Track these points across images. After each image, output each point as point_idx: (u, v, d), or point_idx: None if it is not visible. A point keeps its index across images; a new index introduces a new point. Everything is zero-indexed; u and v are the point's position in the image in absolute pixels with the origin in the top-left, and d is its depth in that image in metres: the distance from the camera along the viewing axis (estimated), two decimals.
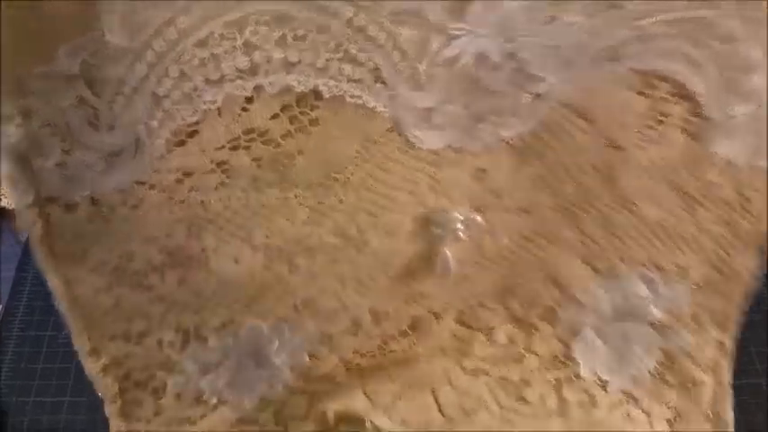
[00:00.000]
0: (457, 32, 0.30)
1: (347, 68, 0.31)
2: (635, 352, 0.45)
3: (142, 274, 0.38)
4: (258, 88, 0.31)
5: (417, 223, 0.39)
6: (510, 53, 0.32)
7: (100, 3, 0.26)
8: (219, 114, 0.32)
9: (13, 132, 0.30)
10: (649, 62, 0.35)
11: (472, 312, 0.44)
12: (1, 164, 0.31)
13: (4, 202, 0.53)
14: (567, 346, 0.45)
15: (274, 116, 0.33)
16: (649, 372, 0.45)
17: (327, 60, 0.31)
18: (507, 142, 0.36)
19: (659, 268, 0.43)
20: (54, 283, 0.37)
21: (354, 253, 0.39)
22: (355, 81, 0.31)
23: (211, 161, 0.35)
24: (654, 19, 0.33)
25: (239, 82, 0.30)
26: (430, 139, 0.35)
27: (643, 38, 0.34)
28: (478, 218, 0.39)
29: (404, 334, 0.44)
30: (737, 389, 0.46)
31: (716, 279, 0.43)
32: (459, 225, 0.39)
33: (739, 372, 0.46)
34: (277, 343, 0.42)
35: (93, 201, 0.34)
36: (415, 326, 0.44)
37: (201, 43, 0.29)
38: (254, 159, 0.35)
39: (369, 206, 0.38)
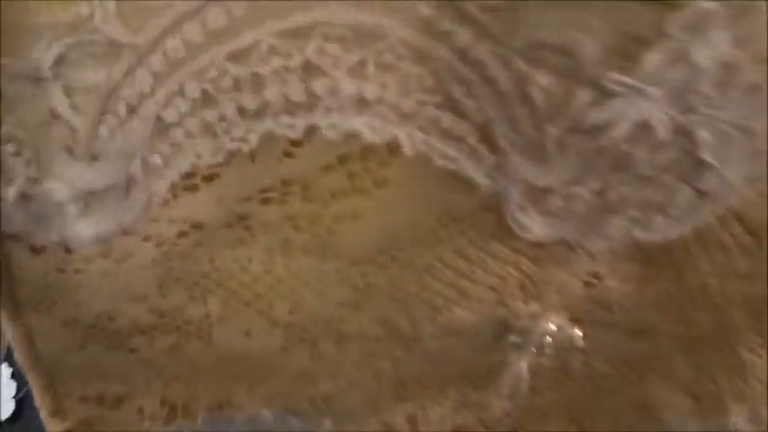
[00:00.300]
0: (617, 89, 0.20)
1: (446, 119, 0.21)
2: None
3: (125, 335, 0.30)
4: (312, 129, 0.21)
5: (493, 327, 0.30)
6: (683, 129, 0.22)
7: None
8: (252, 159, 0.23)
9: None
10: None
11: None
12: None
13: None
14: None
15: (327, 167, 0.24)
16: None
17: (419, 104, 0.21)
18: (641, 247, 0.26)
19: None
20: (13, 333, 0.30)
21: (402, 351, 0.31)
22: (453, 138, 0.22)
23: (231, 213, 0.26)
24: None
25: (286, 118, 0.21)
26: (538, 228, 0.25)
27: None
28: (577, 332, 0.30)
29: None
30: None
31: None
32: (548, 338, 0.30)
33: None
34: None
35: (66, 248, 0.26)
36: None
37: (240, 56, 0.19)
38: (288, 218, 0.26)
39: (432, 297, 0.29)
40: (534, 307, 0.29)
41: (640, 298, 0.29)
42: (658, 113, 0.21)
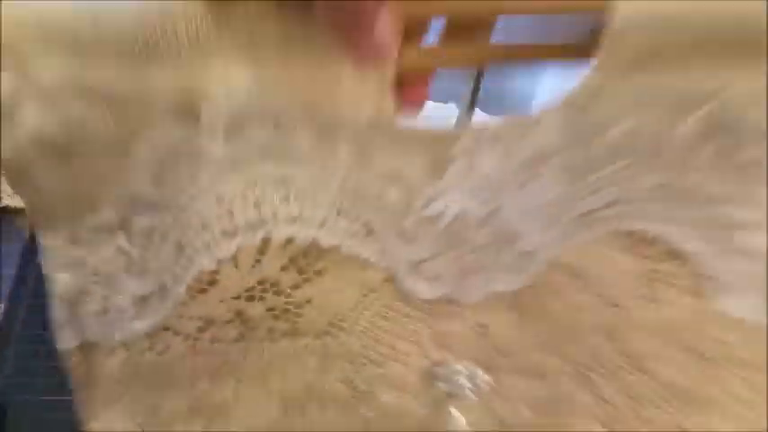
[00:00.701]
0: (436, 193, 0.34)
1: (342, 222, 0.35)
2: None
3: (169, 424, 0.40)
4: (266, 240, 0.36)
5: (423, 377, 0.40)
6: (492, 211, 0.35)
7: (132, 161, 0.32)
8: (236, 265, 0.37)
9: (65, 281, 0.36)
10: (634, 223, 0.37)
11: None
12: (53, 310, 0.37)
13: (6, 201, 0.54)
14: None
15: (284, 268, 0.37)
16: None
17: (325, 215, 0.35)
18: (505, 298, 0.38)
19: None
20: (94, 426, 0.40)
21: (365, 408, 0.40)
22: (350, 234, 0.36)
23: (230, 310, 0.38)
24: (635, 183, 0.37)
25: (249, 234, 0.35)
26: (424, 290, 0.37)
27: (626, 200, 0.37)
28: (486, 376, 0.40)
29: None
30: None
31: None
32: (465, 380, 0.39)
33: None
34: None
35: (126, 346, 0.38)
36: None
37: (219, 199, 0.35)
38: (268, 310, 0.39)
39: (374, 355, 0.40)
40: (446, 355, 0.40)
41: (523, 341, 0.39)
42: (470, 205, 0.35)
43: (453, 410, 0.40)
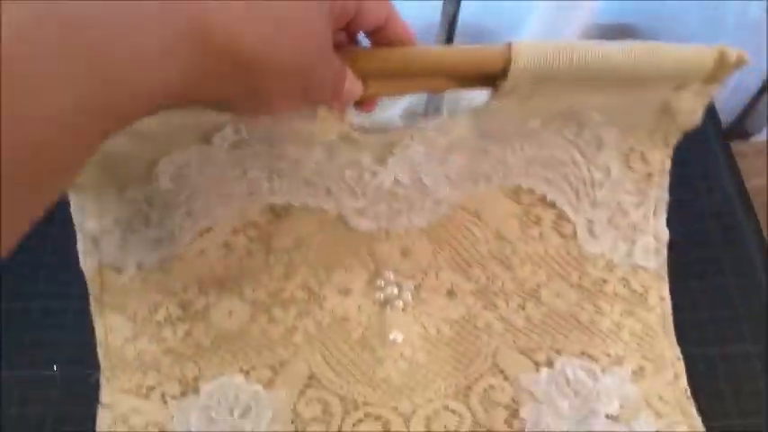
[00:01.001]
0: (380, 171, 0.50)
1: (310, 190, 0.51)
2: None
3: (160, 327, 0.51)
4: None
5: (364, 286, 0.53)
6: (417, 179, 0.51)
7: (157, 169, 0.46)
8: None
9: (92, 226, 0.49)
10: (514, 181, 0.54)
11: (439, 419, 0.50)
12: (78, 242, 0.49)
13: None
14: None
15: (262, 212, 0.52)
16: None
17: (298, 187, 0.51)
18: (426, 234, 0.53)
19: (593, 358, 0.51)
20: (99, 330, 0.51)
21: (318, 310, 0.52)
22: (313, 196, 0.51)
23: (220, 241, 0.52)
24: (513, 158, 0.52)
25: (243, 199, 0.50)
26: (364, 225, 0.53)
27: (507, 167, 0.52)
28: (411, 290, 0.53)
29: None
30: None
31: (649, 367, 0.51)
32: (395, 290, 0.53)
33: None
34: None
35: (139, 266, 0.51)
36: None
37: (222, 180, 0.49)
38: (249, 239, 0.53)
39: (325, 262, 0.53)
40: (380, 269, 0.53)
41: (438, 263, 0.53)
42: (402, 177, 0.50)
43: (389, 317, 0.52)
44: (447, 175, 0.51)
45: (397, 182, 0.50)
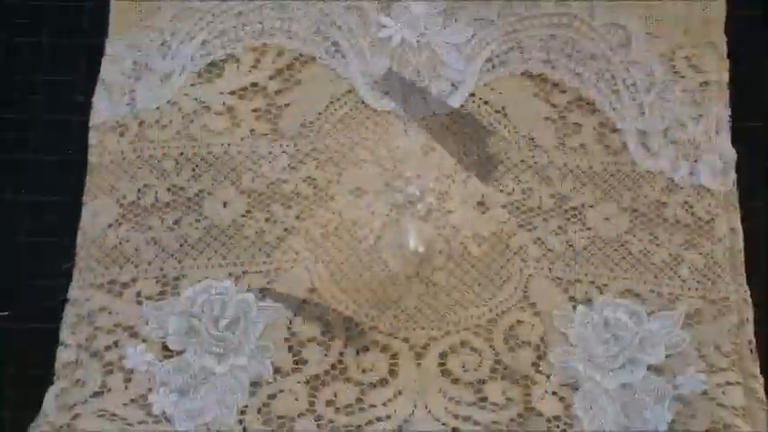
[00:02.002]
0: (386, 23, 0.47)
1: (318, 39, 0.48)
2: (646, 404, 0.42)
3: (148, 212, 0.45)
4: (264, 51, 0.48)
5: (379, 185, 0.45)
6: (425, 43, 0.48)
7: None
8: (237, 66, 0.47)
9: (109, 70, 0.47)
10: (535, 67, 0.48)
11: (456, 356, 0.43)
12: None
13: None
14: (567, 403, 0.43)
15: (272, 77, 0.47)
16: (669, 425, 0.42)
17: (306, 33, 0.48)
18: (447, 128, 0.47)
19: (640, 298, 0.44)
20: (84, 215, 0.45)
21: (323, 209, 0.45)
22: (323, 50, 0.48)
23: (224, 103, 0.47)
24: (529, 32, 0.48)
25: (252, 40, 0.47)
26: (376, 101, 0.47)
27: (521, 47, 0.48)
28: (436, 192, 0.45)
29: (383, 382, 0.43)
30: None
31: (708, 310, 0.44)
32: (416, 192, 0.45)
33: None
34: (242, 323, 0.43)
35: (138, 120, 0.47)
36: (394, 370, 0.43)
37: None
38: (253, 110, 0.47)
39: (336, 157, 0.46)
40: (401, 169, 0.46)
41: (465, 169, 0.47)
42: (408, 35, 0.48)
43: (408, 224, 0.44)
44: (456, 45, 0.47)
45: (403, 41, 0.47)
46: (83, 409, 0.41)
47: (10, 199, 0.48)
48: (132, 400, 0.41)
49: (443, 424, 0.42)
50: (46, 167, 0.49)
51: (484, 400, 0.42)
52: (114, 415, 0.41)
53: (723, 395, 0.41)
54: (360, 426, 0.42)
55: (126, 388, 0.42)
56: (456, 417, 0.42)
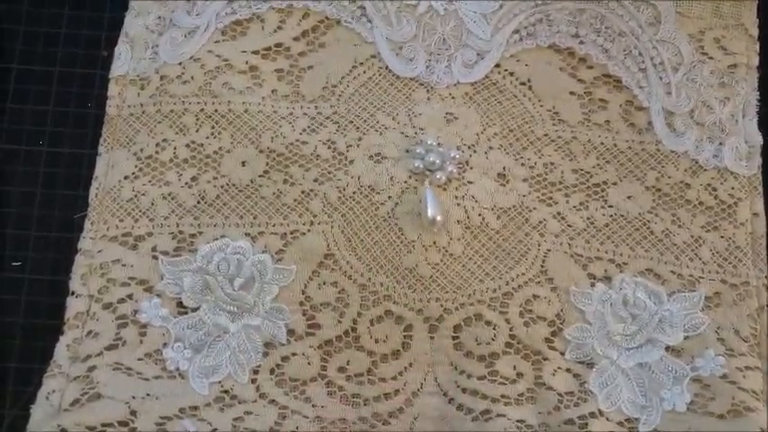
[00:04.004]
0: None
1: (344, 3, 0.48)
2: (664, 384, 0.41)
3: (166, 167, 0.45)
4: (289, 12, 0.47)
5: (399, 151, 0.45)
6: (452, 11, 0.48)
7: None
8: (263, 26, 0.47)
9: (133, 24, 0.47)
10: (562, 41, 0.48)
11: (470, 329, 0.42)
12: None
13: None
14: (581, 380, 0.42)
15: (296, 38, 0.47)
16: (688, 406, 0.41)
17: None
18: (471, 98, 0.47)
19: (660, 278, 0.43)
20: (99, 165, 0.45)
21: (341, 173, 0.45)
22: (349, 12, 0.48)
23: (246, 62, 0.46)
24: (558, 5, 0.48)
25: (278, 1, 0.47)
26: (401, 68, 0.47)
27: (549, 20, 0.48)
28: (456, 161, 0.45)
29: (395, 354, 0.42)
30: None
31: (728, 293, 0.43)
32: (437, 159, 0.44)
33: None
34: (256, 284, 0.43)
35: (161, 77, 0.46)
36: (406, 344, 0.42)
37: None
38: (276, 70, 0.46)
39: (357, 122, 0.46)
40: (421, 136, 0.45)
41: (486, 139, 0.46)
42: (435, 3, 0.44)
43: (427, 188, 0.43)
44: (484, 14, 0.47)
45: (430, 8, 0.47)
46: (98, 361, 0.40)
47: (25, 150, 0.47)
48: (147, 355, 0.41)
49: (451, 399, 0.41)
50: (64, 121, 0.48)
51: (494, 373, 0.41)
52: (129, 369, 0.40)
53: (743, 379, 0.40)
54: (368, 399, 0.41)
55: (141, 342, 0.41)
56: (464, 391, 0.41)
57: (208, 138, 0.45)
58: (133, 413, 0.39)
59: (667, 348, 0.42)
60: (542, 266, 0.44)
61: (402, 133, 0.45)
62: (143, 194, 0.44)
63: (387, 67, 0.47)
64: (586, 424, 0.40)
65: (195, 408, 0.40)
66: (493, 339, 0.42)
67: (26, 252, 0.45)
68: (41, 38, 0.49)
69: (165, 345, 0.41)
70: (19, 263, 0.45)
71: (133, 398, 0.39)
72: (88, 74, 0.49)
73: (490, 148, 0.46)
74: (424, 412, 0.41)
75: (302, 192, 0.44)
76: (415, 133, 0.46)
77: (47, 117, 0.48)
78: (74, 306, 0.42)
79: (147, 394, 0.39)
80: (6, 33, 0.49)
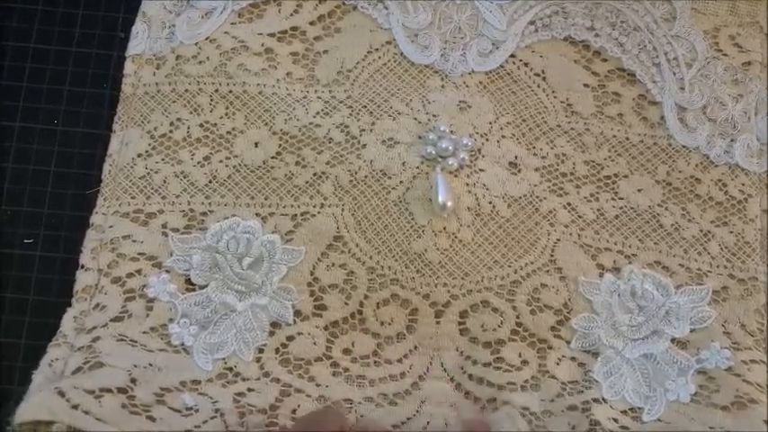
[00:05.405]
0: None
1: None
2: (668, 375, 0.41)
3: (179, 146, 0.45)
4: None
5: (412, 137, 0.45)
6: (469, 0, 0.48)
7: None
8: (279, 9, 0.48)
9: (151, 3, 0.48)
10: (578, 34, 0.48)
11: (477, 315, 0.42)
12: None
13: None
14: (586, 369, 0.42)
15: (312, 23, 0.47)
16: (692, 397, 0.41)
17: None
18: (485, 87, 0.47)
19: (668, 271, 0.44)
20: (113, 142, 0.45)
21: (354, 157, 0.45)
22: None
23: (262, 45, 0.47)
24: (571, 3, 0.48)
25: None
26: (416, 55, 0.47)
27: (566, 12, 0.48)
28: (469, 148, 0.45)
29: (400, 336, 0.42)
30: None
31: (735, 288, 0.43)
32: (450, 145, 0.44)
33: None
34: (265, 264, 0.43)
35: (177, 57, 0.47)
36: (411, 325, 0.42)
37: None
38: (291, 54, 0.47)
39: (371, 106, 0.46)
40: (434, 122, 0.46)
41: (499, 128, 0.46)
42: None
43: (438, 173, 0.43)
44: (500, 4, 0.48)
45: None
46: (102, 332, 0.40)
47: (40, 129, 0.47)
48: (152, 329, 0.41)
49: (458, 385, 0.41)
50: (79, 101, 0.48)
51: (500, 360, 0.41)
52: (134, 341, 0.40)
53: (748, 372, 0.40)
54: (373, 380, 0.41)
55: (147, 316, 0.41)
56: (471, 377, 0.41)
57: (221, 118, 0.46)
58: (133, 381, 0.38)
59: (673, 340, 0.42)
60: (551, 256, 0.44)
61: (415, 119, 0.46)
62: (156, 172, 0.44)
63: (402, 54, 0.47)
64: (589, 409, 0.40)
65: (197, 382, 0.40)
66: (499, 326, 0.42)
67: (38, 230, 0.45)
68: (58, 17, 0.49)
69: (171, 320, 0.41)
70: (31, 240, 0.45)
71: (135, 366, 0.39)
72: (104, 54, 0.48)
73: (503, 136, 0.46)
74: (431, 396, 0.41)
75: (314, 174, 0.45)
76: (429, 120, 0.46)
77: (62, 96, 0.48)
78: (83, 279, 0.42)
79: (150, 364, 0.39)
80: (23, 13, 0.49)
